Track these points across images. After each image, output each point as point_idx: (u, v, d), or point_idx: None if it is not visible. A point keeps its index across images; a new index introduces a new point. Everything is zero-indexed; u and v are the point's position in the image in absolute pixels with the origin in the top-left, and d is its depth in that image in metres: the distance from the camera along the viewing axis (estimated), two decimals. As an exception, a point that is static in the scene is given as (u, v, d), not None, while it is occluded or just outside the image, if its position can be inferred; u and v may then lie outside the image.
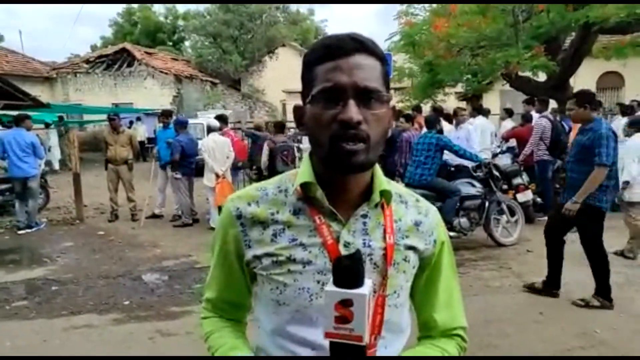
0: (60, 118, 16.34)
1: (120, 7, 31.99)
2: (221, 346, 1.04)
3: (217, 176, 7.18)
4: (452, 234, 5.91)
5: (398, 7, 10.70)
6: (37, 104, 12.67)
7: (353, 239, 0.95)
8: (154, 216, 8.25)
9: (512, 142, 8.25)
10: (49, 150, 15.26)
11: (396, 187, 1.07)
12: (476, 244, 6.15)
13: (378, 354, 0.95)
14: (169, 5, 32.13)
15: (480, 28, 8.83)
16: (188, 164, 7.75)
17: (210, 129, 7.49)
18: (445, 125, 7.15)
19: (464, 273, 5.28)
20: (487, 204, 6.09)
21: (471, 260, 5.69)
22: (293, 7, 30.48)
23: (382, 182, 1.00)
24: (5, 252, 6.62)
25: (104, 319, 4.26)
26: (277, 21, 28.39)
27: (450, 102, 13.39)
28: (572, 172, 4.26)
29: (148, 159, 10.11)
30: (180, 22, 31.58)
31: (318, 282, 0.94)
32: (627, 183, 5.42)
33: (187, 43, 31.39)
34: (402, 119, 7.58)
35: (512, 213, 6.31)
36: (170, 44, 31.14)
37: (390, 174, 7.22)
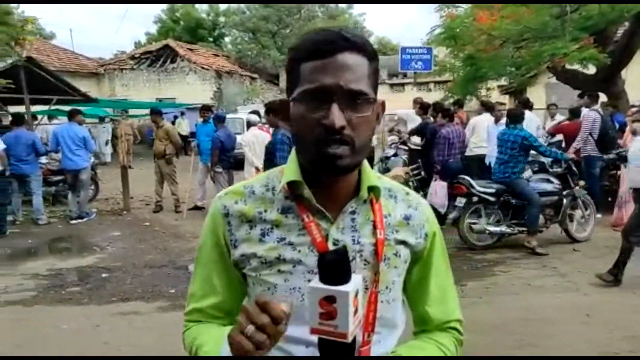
0: (125, 111, 16.98)
1: (164, 4, 32.78)
2: (209, 340, 0.95)
3: (257, 170, 7.31)
4: (524, 229, 5.79)
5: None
6: (87, 99, 13.26)
7: (342, 236, 0.94)
8: (196, 208, 8.49)
9: (559, 137, 7.99)
10: (106, 144, 16.00)
11: (386, 182, 1.05)
12: (518, 242, 6.00)
13: (372, 349, 0.93)
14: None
15: (524, 20, 8.56)
16: (227, 158, 7.93)
17: (250, 124, 7.63)
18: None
19: (504, 271, 5.18)
20: (564, 200, 5.94)
21: (513, 259, 5.57)
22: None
23: (370, 177, 0.97)
24: (59, 240, 7.00)
25: (150, 306, 4.45)
26: (316, 16, 28.42)
27: (493, 96, 13.05)
28: None
29: (189, 152, 10.39)
30: (221, 19, 32.10)
31: (309, 281, 0.89)
32: None
33: (227, 39, 31.91)
34: (437, 114, 7.46)
35: (585, 207, 6.17)
36: (211, 40, 31.72)
37: (429, 170, 7.14)
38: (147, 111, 13.02)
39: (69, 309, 4.47)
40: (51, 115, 12.95)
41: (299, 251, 0.93)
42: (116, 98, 20.43)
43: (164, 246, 6.43)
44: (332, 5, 30.81)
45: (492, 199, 5.82)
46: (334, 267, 0.77)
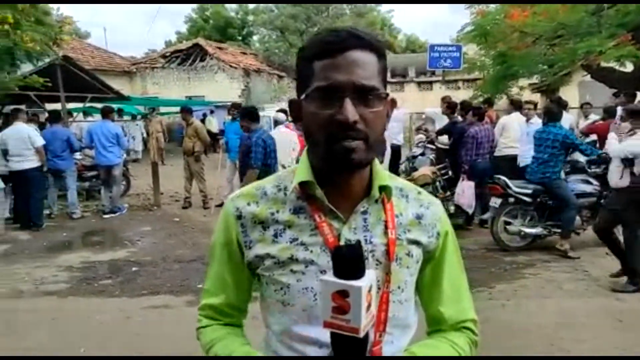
0: (152, 109, 17.40)
1: (194, 4, 33.33)
2: (232, 353, 1.00)
3: (283, 167, 7.37)
4: (559, 231, 5.68)
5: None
6: (120, 97, 13.61)
7: (354, 236, 0.94)
8: (224, 204, 8.61)
9: (593, 137, 7.77)
10: (135, 139, 16.38)
11: (397, 181, 1.05)
12: (549, 244, 5.87)
13: (384, 349, 0.94)
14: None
15: (558, 16, 8.34)
16: (256, 156, 8.00)
17: (277, 122, 7.69)
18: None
19: (534, 274, 5.08)
20: (602, 201, 5.80)
21: (543, 262, 5.45)
22: (360, -2, 30.25)
23: (382, 177, 0.98)
24: (92, 234, 7.22)
25: (179, 300, 4.55)
26: (344, 13, 28.35)
27: (524, 95, 12.76)
28: None
29: (218, 150, 10.55)
30: (250, 17, 32.40)
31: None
32: None
33: (255, 37, 32.17)
34: (466, 113, 7.35)
35: None
36: (240, 38, 32.06)
37: (456, 169, 7.05)
38: (177, 109, 13.34)
39: (102, 300, 4.61)
40: (87, 113, 13.35)
41: (311, 251, 0.94)
42: (147, 96, 20.88)
43: (192, 242, 6.56)
44: (360, 3, 30.68)
45: (528, 199, 5.70)
46: (348, 261, 0.77)
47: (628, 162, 4.60)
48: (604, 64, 9.08)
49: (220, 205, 8.58)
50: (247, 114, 5.60)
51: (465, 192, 6.57)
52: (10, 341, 3.73)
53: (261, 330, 1.08)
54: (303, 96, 0.92)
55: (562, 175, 5.85)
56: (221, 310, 1.07)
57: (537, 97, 15.75)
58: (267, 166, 5.38)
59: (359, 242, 0.81)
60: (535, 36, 8.97)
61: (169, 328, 3.93)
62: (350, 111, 0.85)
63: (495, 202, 5.85)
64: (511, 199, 5.74)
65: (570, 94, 14.19)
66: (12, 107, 9.63)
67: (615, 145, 4.80)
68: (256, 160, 4.93)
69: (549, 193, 5.65)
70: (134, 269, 5.48)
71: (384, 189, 0.97)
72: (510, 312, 4.14)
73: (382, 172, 0.99)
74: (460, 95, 14.42)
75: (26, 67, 8.90)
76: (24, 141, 7.13)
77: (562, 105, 8.21)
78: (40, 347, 3.65)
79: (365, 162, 0.91)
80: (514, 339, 3.60)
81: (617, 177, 4.68)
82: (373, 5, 32.17)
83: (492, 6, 10.26)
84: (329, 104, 0.87)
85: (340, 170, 0.92)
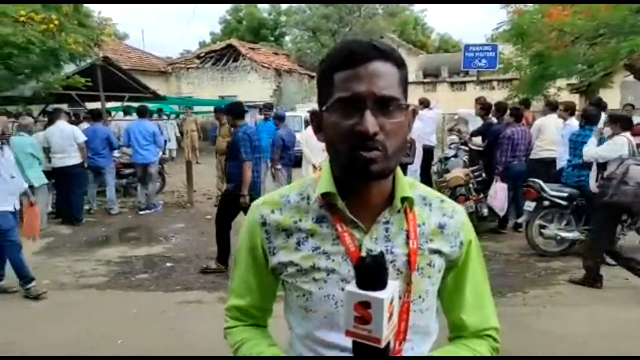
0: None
1: (229, 5, 33.85)
2: (260, 353, 1.04)
3: (314, 167, 7.42)
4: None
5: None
6: (156, 97, 13.97)
7: (375, 246, 0.96)
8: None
9: (637, 140, 7.45)
10: (169, 138, 16.77)
11: (420, 189, 1.05)
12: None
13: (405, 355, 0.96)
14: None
15: (599, 15, 8.06)
16: (287, 155, 8.08)
17: (308, 123, 7.74)
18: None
19: (571, 280, 4.93)
20: None
21: (579, 268, 5.26)
22: (393, -2, 30.03)
23: (404, 187, 0.98)
24: (129, 230, 7.45)
25: (212, 296, 4.65)
26: (376, 13, 28.19)
27: (562, 95, 12.39)
28: None
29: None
30: (282, 18, 32.65)
31: (342, 289, 0.91)
32: None
33: (287, 38, 32.40)
34: (501, 115, 7.20)
35: None
36: (272, 39, 32.35)
37: (490, 171, 6.91)
38: (210, 108, 13.59)
39: (138, 294, 4.76)
40: (126, 112, 13.75)
41: (333, 260, 0.96)
42: (182, 95, 21.35)
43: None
44: (393, 3, 30.46)
45: (564, 203, 5.55)
46: (371, 273, 0.78)
47: (601, 166, 4.75)
48: (648, 64, 8.73)
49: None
50: (230, 110, 5.69)
51: (498, 194, 6.44)
52: (50, 331, 3.90)
53: (283, 330, 1.12)
54: (324, 108, 0.93)
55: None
56: (246, 312, 1.11)
57: (575, 98, 15.28)
58: (256, 159, 5.50)
59: (382, 253, 0.82)
60: (575, 35, 8.70)
61: (202, 324, 4.01)
62: (371, 122, 0.86)
63: (529, 205, 5.72)
64: (546, 202, 5.60)
65: (611, 95, 13.67)
66: (54, 106, 10.04)
67: (589, 150, 4.93)
68: (247, 154, 5.11)
69: (585, 197, 5.48)
70: (168, 264, 5.63)
71: (405, 199, 0.98)
72: (546, 320, 4.04)
73: (404, 181, 1.00)
74: (495, 95, 14.12)
75: (68, 68, 9.24)
76: (68, 138, 7.41)
77: (602, 107, 7.92)
78: (79, 338, 3.81)
79: (386, 172, 0.92)
80: (552, 346, 3.52)
81: (593, 182, 4.85)
82: (406, 4, 31.89)
83: (530, 5, 10.02)
84: (350, 114, 0.88)
85: (360, 180, 0.93)
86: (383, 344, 0.77)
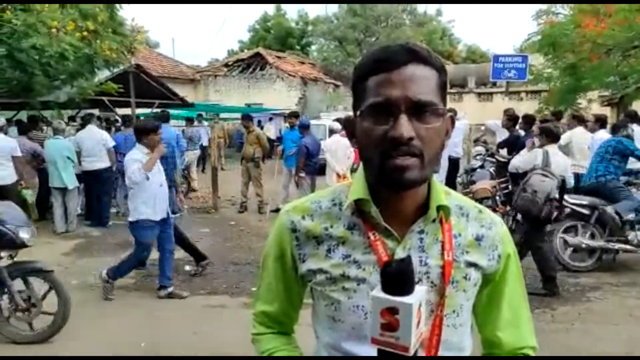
0: (199, 115, 18.04)
1: (258, 15, 34.44)
2: None
3: (338, 176, 7.42)
4: (628, 247, 5.42)
5: (537, 7, 9.99)
6: (185, 104, 14.23)
7: None
8: (278, 210, 8.77)
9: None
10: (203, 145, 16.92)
11: (457, 199, 1.01)
12: (619, 266, 5.52)
13: None
14: (302, 11, 33.83)
15: (635, 26, 7.87)
16: (312, 164, 8.11)
17: (332, 131, 7.76)
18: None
19: (601, 298, 4.78)
20: None
21: (612, 285, 5.12)
22: (420, 8, 30.03)
23: (440, 195, 0.94)
24: (155, 233, 7.56)
25: (235, 301, 4.68)
26: (403, 23, 28.19)
27: (593, 108, 12.11)
28: None
29: (273, 156, 10.79)
30: (309, 27, 32.99)
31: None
32: None
33: (313, 47, 32.68)
34: (529, 127, 7.08)
35: None
36: (299, 48, 32.68)
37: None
38: (236, 115, 13.75)
39: (163, 298, 4.81)
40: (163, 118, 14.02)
41: (364, 269, 0.93)
42: (209, 102, 21.70)
43: (248, 245, 6.72)
44: (420, 13, 30.43)
45: (585, 212, 5.45)
46: (398, 277, 0.75)
47: (520, 176, 5.11)
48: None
49: (276, 210, 8.76)
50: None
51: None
52: (76, 332, 3.97)
53: (309, 335, 1.11)
54: (358, 113, 0.90)
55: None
56: (274, 319, 1.10)
57: (606, 111, 14.90)
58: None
59: (409, 257, 0.78)
60: (609, 47, 8.52)
61: (226, 328, 4.04)
62: (406, 127, 0.83)
63: None
64: (567, 210, 5.51)
65: (645, 108, 13.28)
66: (87, 111, 10.34)
67: (512, 162, 5.49)
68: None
69: (605, 198, 5.37)
70: (192, 268, 5.68)
71: (441, 208, 0.94)
72: (576, 338, 3.92)
73: (439, 189, 0.96)
74: (523, 107, 13.91)
75: (101, 74, 9.52)
76: (98, 143, 7.61)
77: (638, 120, 7.71)
78: (103, 339, 3.88)
79: (420, 180, 0.88)
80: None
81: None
82: (433, 14, 31.80)
83: (561, 16, 9.87)
84: (383, 120, 0.86)
85: (393, 189, 0.89)
86: (411, 352, 0.74)
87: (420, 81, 0.86)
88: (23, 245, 3.66)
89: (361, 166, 0.98)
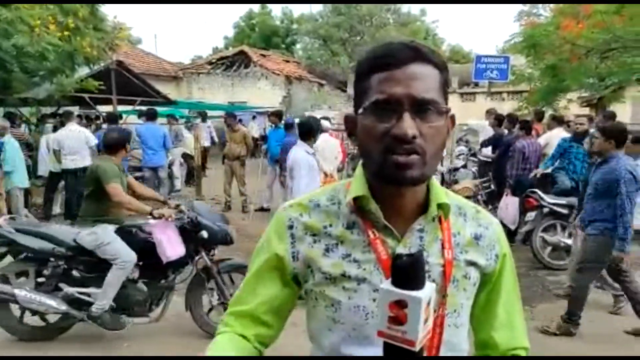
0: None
1: (243, 12, 34.24)
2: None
3: (325, 175, 7.43)
4: None
5: (518, 8, 10.13)
6: (167, 101, 14.10)
7: None
8: (262, 209, 8.75)
9: None
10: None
11: (455, 199, 1.00)
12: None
13: None
14: (286, 10, 33.74)
15: (613, 28, 8.03)
16: (296, 162, 8.09)
17: (321, 130, 7.76)
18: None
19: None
20: None
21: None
22: (404, 8, 30.21)
23: (440, 194, 0.94)
24: (137, 233, 7.46)
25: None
26: (387, 23, 28.33)
27: (572, 109, 12.33)
28: None
29: (256, 155, 10.73)
30: (294, 26, 32.92)
31: (374, 300, 0.90)
32: None
33: (298, 45, 32.63)
34: (513, 126, 7.18)
35: None
36: (284, 46, 32.60)
37: (499, 183, 6.89)
38: (219, 113, 13.65)
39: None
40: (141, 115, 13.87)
41: (364, 269, 0.92)
42: (192, 100, 21.51)
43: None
44: (404, 12, 30.60)
45: (564, 211, 5.59)
46: (409, 271, 0.74)
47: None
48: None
49: (260, 210, 8.73)
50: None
51: (510, 207, 6.42)
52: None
53: (299, 337, 1.09)
54: (360, 110, 0.89)
55: None
56: (245, 316, 1.01)
57: (585, 112, 15.20)
58: None
59: (420, 251, 0.78)
60: (588, 48, 8.68)
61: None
62: (409, 125, 0.83)
63: (530, 215, 5.80)
64: (546, 210, 5.67)
65: (622, 109, 13.58)
66: (66, 108, 10.16)
67: None
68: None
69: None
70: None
71: (441, 206, 0.94)
72: (555, 336, 3.99)
73: (439, 188, 0.96)
74: (505, 107, 14.10)
75: (81, 71, 9.36)
76: (80, 141, 7.48)
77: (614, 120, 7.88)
78: (85, 340, 3.82)
79: (421, 178, 0.88)
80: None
81: None
82: (417, 14, 32.01)
83: (543, 17, 10.03)
84: (385, 118, 0.85)
85: (395, 185, 0.89)
86: (418, 347, 0.73)
87: (423, 79, 0.85)
88: (232, 242, 3.93)
89: (360, 164, 0.97)
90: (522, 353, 1.03)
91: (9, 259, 3.77)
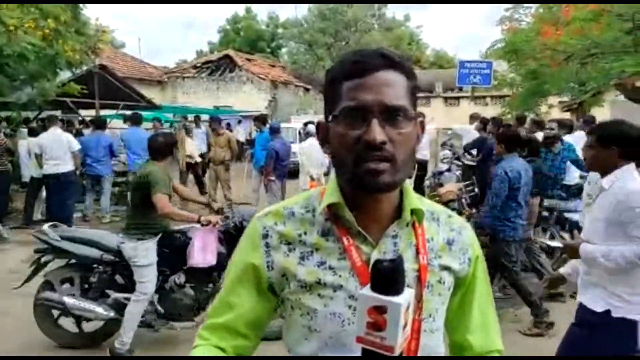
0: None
1: (228, 15, 34.20)
2: None
3: (312, 179, 7.45)
4: None
5: (501, 13, 10.32)
6: (152, 105, 13.99)
7: None
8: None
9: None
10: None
11: (428, 204, 1.01)
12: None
13: None
14: (272, 14, 33.82)
15: (591, 35, 8.23)
16: (281, 167, 8.09)
17: (308, 134, 7.79)
18: None
19: (563, 300, 4.93)
20: None
21: (574, 285, 5.30)
22: (389, 13, 30.51)
23: (413, 200, 0.94)
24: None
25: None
26: (372, 28, 28.59)
27: (552, 113, 12.57)
28: None
29: (242, 158, 10.69)
30: (280, 30, 32.99)
31: (350, 307, 0.89)
32: None
33: (283, 50, 32.72)
34: (497, 130, 7.29)
35: None
36: (269, 50, 32.62)
37: (483, 185, 6.96)
38: (203, 117, 13.56)
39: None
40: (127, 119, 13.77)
41: (340, 276, 0.91)
42: (177, 104, 21.36)
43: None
44: (389, 18, 30.91)
45: (545, 213, 5.66)
46: (388, 276, 0.74)
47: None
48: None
49: (245, 214, 8.68)
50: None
51: (493, 210, 6.49)
52: (37, 334, 3.84)
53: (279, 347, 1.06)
54: (330, 117, 0.90)
55: None
56: (218, 333, 1.00)
57: (566, 116, 15.49)
58: None
59: (400, 257, 0.78)
60: (567, 54, 8.87)
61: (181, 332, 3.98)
62: (378, 132, 0.84)
63: None
64: None
65: (601, 113, 13.87)
66: (48, 113, 10.02)
67: None
68: None
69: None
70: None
71: (415, 212, 0.94)
72: (540, 337, 4.04)
73: (412, 194, 0.96)
74: (489, 111, 14.30)
75: (64, 75, 9.25)
76: (62, 145, 7.38)
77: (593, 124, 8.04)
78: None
79: (393, 184, 0.89)
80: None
81: None
82: (401, 19, 32.33)
83: (524, 23, 10.22)
84: (356, 125, 0.86)
85: (367, 192, 0.89)
86: (396, 353, 0.73)
87: (392, 86, 0.86)
88: None
89: (333, 172, 0.97)
90: (496, 355, 1.05)
91: (52, 264, 3.78)
